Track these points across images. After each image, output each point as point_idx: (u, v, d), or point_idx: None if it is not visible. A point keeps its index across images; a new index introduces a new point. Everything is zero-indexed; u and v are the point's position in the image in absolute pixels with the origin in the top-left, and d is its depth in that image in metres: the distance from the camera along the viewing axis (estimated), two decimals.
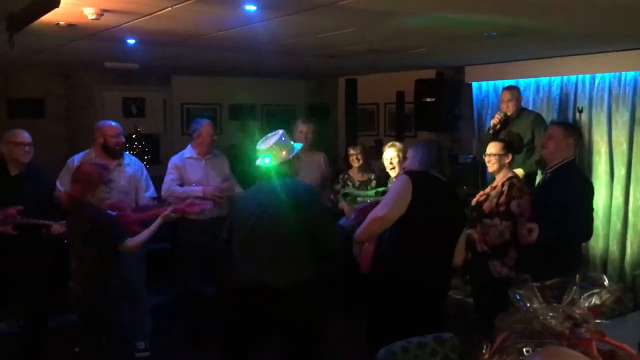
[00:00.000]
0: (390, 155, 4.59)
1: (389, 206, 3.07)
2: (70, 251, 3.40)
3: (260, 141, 3.22)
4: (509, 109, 4.94)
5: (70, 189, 3.41)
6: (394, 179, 4.61)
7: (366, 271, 3.41)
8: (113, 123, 4.43)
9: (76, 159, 4.35)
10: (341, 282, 5.21)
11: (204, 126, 4.67)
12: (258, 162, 3.21)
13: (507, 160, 3.88)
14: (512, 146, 4.06)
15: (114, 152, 4.30)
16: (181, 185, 4.59)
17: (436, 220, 3.11)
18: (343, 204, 4.95)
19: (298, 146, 3.27)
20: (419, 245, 3.10)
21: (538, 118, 5.02)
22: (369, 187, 5.02)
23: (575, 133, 3.68)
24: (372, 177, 5.09)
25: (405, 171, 3.35)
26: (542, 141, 3.82)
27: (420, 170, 3.23)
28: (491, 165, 3.89)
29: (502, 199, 3.66)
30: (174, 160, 4.72)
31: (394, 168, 4.57)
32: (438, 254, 3.16)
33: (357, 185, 5.06)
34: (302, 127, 5.02)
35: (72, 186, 3.39)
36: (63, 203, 3.42)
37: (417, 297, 3.09)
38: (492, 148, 3.93)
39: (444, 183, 3.27)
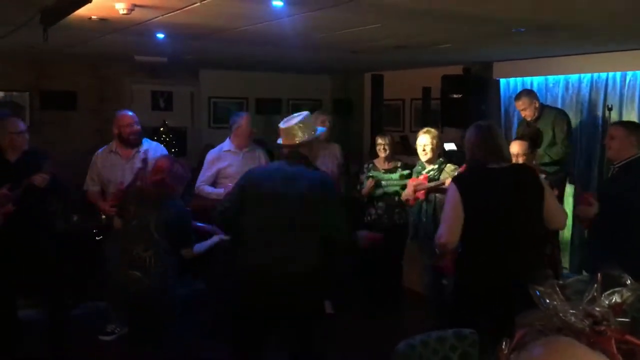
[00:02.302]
0: (424, 141, 4.52)
1: (446, 230, 2.94)
2: (137, 240, 3.42)
3: (283, 120, 3.20)
4: (527, 116, 4.98)
5: (160, 179, 3.45)
6: (427, 167, 4.58)
7: (452, 274, 3.33)
8: (129, 113, 4.54)
9: (99, 153, 4.50)
10: (362, 278, 5.25)
11: (244, 119, 4.75)
12: (279, 140, 3.20)
13: (534, 158, 3.87)
14: (535, 143, 4.04)
15: (128, 142, 4.40)
16: (216, 178, 4.65)
17: (498, 212, 2.91)
18: (368, 182, 4.98)
19: (321, 129, 3.27)
20: (488, 244, 2.92)
21: (559, 114, 4.99)
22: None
23: (637, 130, 3.63)
24: (399, 164, 5.08)
25: (453, 177, 3.26)
26: (606, 141, 3.73)
27: (469, 163, 3.11)
28: None
29: None
30: (212, 154, 4.80)
31: (426, 154, 4.53)
32: (514, 247, 2.91)
33: (382, 172, 5.08)
34: (321, 118, 5.06)
35: (164, 178, 3.45)
36: (146, 189, 3.45)
37: (497, 299, 2.87)
38: (518, 147, 3.87)
39: (500, 170, 2.99)
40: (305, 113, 3.21)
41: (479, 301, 2.96)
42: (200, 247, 3.64)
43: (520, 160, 3.83)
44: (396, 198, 4.99)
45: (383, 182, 4.97)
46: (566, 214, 3.19)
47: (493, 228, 2.93)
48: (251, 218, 3.09)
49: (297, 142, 3.10)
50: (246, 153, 4.75)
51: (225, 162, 4.69)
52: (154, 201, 3.42)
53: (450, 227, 2.94)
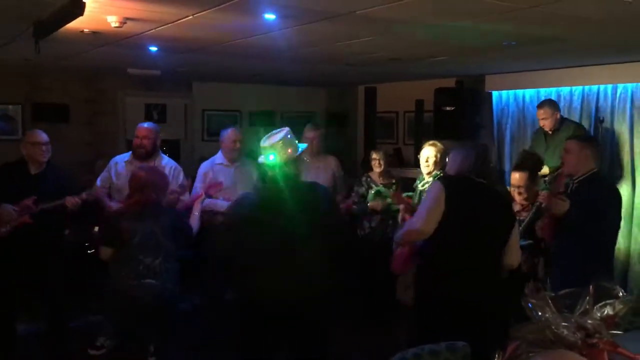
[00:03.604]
0: (428, 154, 4.51)
1: (424, 218, 2.93)
2: (146, 252, 3.46)
3: (264, 138, 3.06)
4: (546, 126, 4.91)
5: (141, 195, 3.49)
6: (425, 179, 4.57)
7: (397, 271, 3.30)
8: (145, 125, 4.53)
9: (116, 160, 4.51)
10: (357, 291, 5.21)
11: (227, 133, 4.76)
12: (261, 159, 3.06)
13: (534, 186, 3.87)
14: (535, 172, 4.02)
15: (136, 153, 4.40)
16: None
17: (474, 225, 2.94)
18: (375, 203, 4.95)
19: (302, 146, 3.16)
20: (455, 253, 2.93)
21: (579, 129, 4.90)
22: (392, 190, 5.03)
23: (590, 144, 3.63)
24: (394, 181, 5.10)
25: (439, 177, 3.26)
26: (562, 156, 3.74)
27: (456, 175, 3.09)
28: (521, 196, 3.84)
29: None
30: (204, 167, 4.80)
31: (428, 166, 4.51)
32: (478, 263, 2.95)
33: (380, 187, 5.07)
34: (308, 134, 5.06)
35: (144, 192, 3.50)
36: (132, 207, 3.50)
37: (454, 310, 2.88)
38: (518, 179, 3.85)
39: (484, 186, 3.06)
40: (286, 129, 3.09)
41: (446, 310, 2.92)
42: (194, 223, 3.78)
43: (522, 191, 3.84)
44: (394, 214, 5.01)
45: (389, 200, 4.96)
46: (519, 257, 3.16)
47: (468, 237, 2.94)
48: (251, 245, 2.99)
49: (282, 160, 2.99)
50: (238, 167, 4.74)
51: (217, 175, 4.68)
52: (149, 213, 3.47)
53: (428, 218, 2.92)
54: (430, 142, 4.60)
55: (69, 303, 4.47)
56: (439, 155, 4.46)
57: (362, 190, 5.12)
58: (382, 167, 5.09)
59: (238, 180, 4.67)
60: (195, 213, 3.86)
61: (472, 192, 3.03)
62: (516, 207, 3.80)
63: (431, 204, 2.96)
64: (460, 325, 2.78)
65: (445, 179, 3.09)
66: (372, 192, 5.01)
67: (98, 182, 4.52)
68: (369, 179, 5.14)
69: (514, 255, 3.07)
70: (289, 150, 3.01)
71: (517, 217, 3.52)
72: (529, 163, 4.26)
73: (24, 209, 3.88)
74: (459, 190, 2.99)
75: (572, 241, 3.38)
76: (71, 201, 3.99)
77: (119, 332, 4.06)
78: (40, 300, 4.36)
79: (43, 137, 4.15)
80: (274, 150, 2.99)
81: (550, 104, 5.03)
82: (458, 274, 2.92)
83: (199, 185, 4.67)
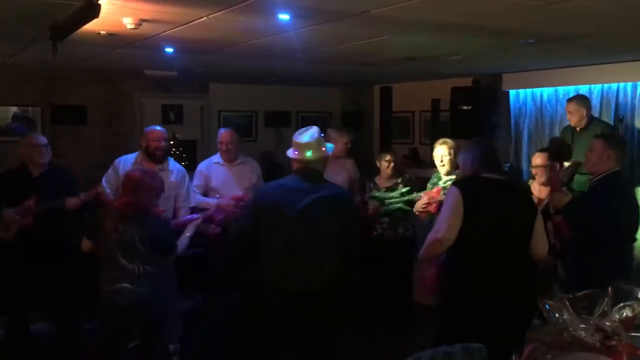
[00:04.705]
0: (441, 152, 4.51)
1: (444, 227, 2.90)
2: (122, 253, 3.41)
3: (298, 133, 3.11)
4: (572, 121, 4.81)
5: (134, 198, 3.40)
6: (444, 179, 4.56)
7: (431, 299, 3.24)
8: (158, 128, 4.53)
9: (122, 161, 4.49)
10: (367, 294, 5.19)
11: (221, 134, 4.79)
12: (289, 153, 3.10)
13: (557, 169, 3.83)
14: (558, 154, 3.98)
15: (154, 156, 4.40)
16: (206, 190, 4.68)
17: (496, 222, 2.92)
18: (373, 205, 4.95)
19: (331, 146, 3.21)
20: (483, 253, 2.90)
21: (607, 129, 4.79)
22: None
23: (616, 145, 3.57)
24: (399, 180, 5.07)
25: (453, 182, 3.24)
26: (586, 153, 3.68)
27: (469, 175, 3.08)
28: (539, 176, 3.84)
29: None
30: (201, 166, 4.82)
31: (444, 165, 4.52)
32: (507, 258, 2.92)
33: (382, 191, 5.06)
34: (341, 137, 5.03)
35: (138, 195, 3.40)
36: (121, 208, 3.47)
37: (490, 310, 2.84)
38: (538, 159, 3.85)
39: (500, 181, 3.05)
40: (316, 128, 3.13)
41: (472, 311, 2.88)
42: (181, 244, 3.63)
43: (540, 172, 3.83)
44: (400, 213, 4.99)
45: (386, 201, 4.96)
46: (547, 244, 3.12)
47: (491, 236, 2.90)
48: (267, 236, 3.02)
49: (311, 158, 3.04)
50: (235, 166, 4.73)
51: (211, 174, 4.70)
52: (134, 218, 3.41)
53: (450, 225, 2.88)
54: (441, 140, 4.58)
55: (82, 304, 4.51)
56: (452, 152, 4.43)
57: (366, 197, 5.14)
58: (392, 168, 5.07)
59: (233, 179, 4.66)
60: (187, 234, 3.72)
61: (488, 189, 3.00)
62: (534, 190, 3.80)
63: (450, 209, 2.93)
64: (493, 324, 2.74)
65: (459, 183, 3.07)
66: (369, 197, 5.04)
67: (104, 181, 4.48)
68: (372, 184, 5.15)
69: (541, 245, 3.03)
70: (322, 149, 3.09)
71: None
72: (553, 146, 4.22)
73: (25, 211, 3.95)
74: (475, 190, 2.96)
75: (578, 238, 3.34)
76: (71, 202, 4.08)
77: (103, 336, 3.99)
78: (50, 301, 4.41)
79: (42, 139, 4.23)
80: (311, 147, 3.04)
81: (579, 99, 4.88)
82: (486, 271, 2.88)
83: (195, 184, 4.70)
